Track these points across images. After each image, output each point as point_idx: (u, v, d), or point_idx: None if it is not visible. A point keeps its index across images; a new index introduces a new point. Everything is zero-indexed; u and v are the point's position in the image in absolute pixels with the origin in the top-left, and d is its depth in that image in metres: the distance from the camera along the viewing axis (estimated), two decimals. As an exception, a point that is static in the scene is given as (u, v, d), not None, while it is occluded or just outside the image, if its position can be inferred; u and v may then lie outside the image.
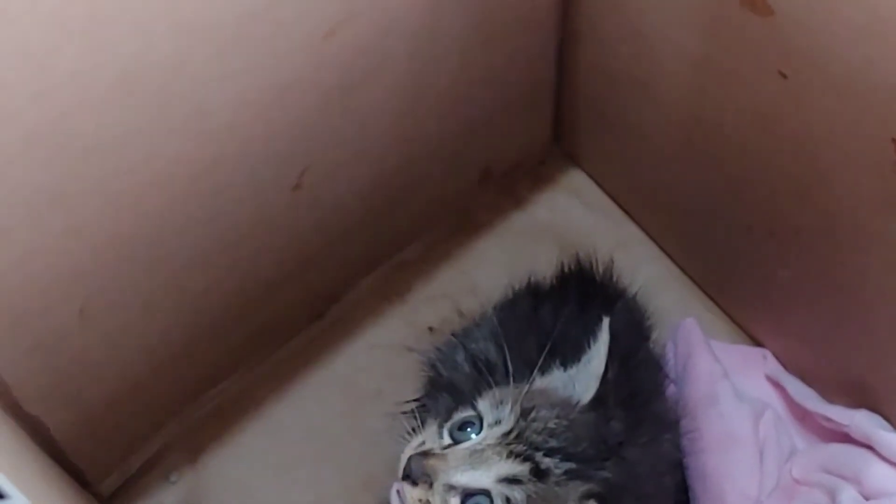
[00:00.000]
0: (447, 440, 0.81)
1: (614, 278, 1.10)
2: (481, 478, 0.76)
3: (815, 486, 0.98)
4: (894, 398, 0.98)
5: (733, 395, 1.03)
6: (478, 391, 0.85)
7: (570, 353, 0.88)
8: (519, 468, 0.76)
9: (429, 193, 1.13)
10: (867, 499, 0.93)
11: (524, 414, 0.79)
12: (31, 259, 0.74)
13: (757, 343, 1.13)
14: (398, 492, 0.80)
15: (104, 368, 0.90)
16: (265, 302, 1.03)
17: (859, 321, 0.95)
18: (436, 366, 1.03)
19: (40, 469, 0.83)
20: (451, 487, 0.77)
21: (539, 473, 0.76)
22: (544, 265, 1.13)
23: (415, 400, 1.04)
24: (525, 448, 0.77)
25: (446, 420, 0.82)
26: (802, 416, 1.05)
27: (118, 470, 1.05)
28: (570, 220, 1.24)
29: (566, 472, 0.76)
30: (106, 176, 0.73)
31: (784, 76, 0.81)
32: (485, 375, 0.88)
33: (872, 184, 0.80)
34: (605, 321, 0.82)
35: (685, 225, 1.14)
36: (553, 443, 0.77)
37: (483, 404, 0.82)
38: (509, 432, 0.78)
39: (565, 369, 0.86)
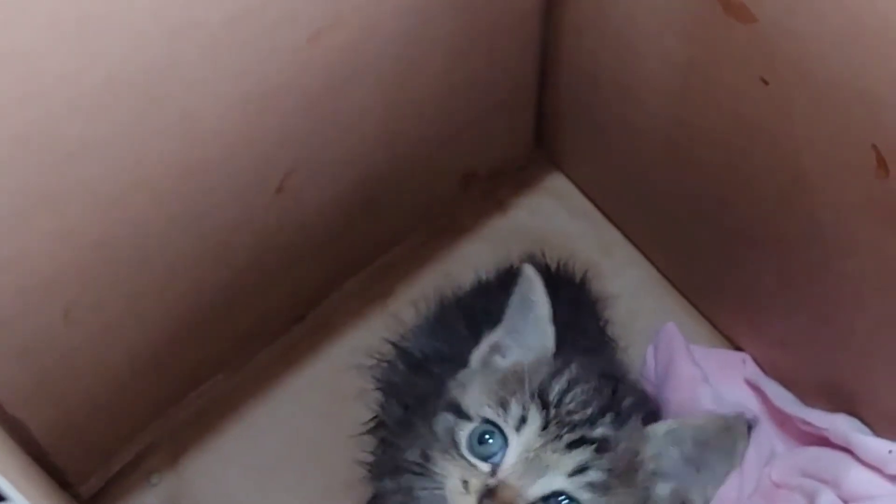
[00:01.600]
0: (483, 465, 0.78)
1: (567, 272, 1.12)
2: (551, 482, 0.75)
3: (795, 489, 0.98)
4: (873, 402, 0.98)
5: (713, 400, 1.03)
6: (448, 397, 0.84)
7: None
8: (583, 456, 0.75)
9: (412, 197, 1.13)
10: (846, 502, 0.94)
11: (542, 398, 0.78)
12: (16, 260, 0.74)
13: (737, 347, 1.14)
14: None
15: (87, 370, 0.90)
16: (248, 304, 1.03)
17: (839, 326, 0.95)
18: (382, 375, 1.04)
19: (23, 470, 0.83)
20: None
21: (602, 447, 0.75)
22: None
23: (372, 419, 1.05)
24: (574, 433, 0.76)
25: (455, 444, 0.80)
26: (782, 420, 1.06)
27: (99, 472, 1.05)
28: (551, 224, 1.24)
29: (613, 423, 0.76)
30: (92, 178, 0.73)
31: (766, 83, 0.81)
32: (421, 372, 0.87)
33: (854, 190, 0.80)
34: (528, 266, 0.82)
35: (667, 230, 1.14)
36: (590, 410, 0.77)
37: (487, 411, 0.80)
38: (546, 424, 0.76)
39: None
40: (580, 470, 0.75)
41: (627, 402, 0.80)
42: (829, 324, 0.96)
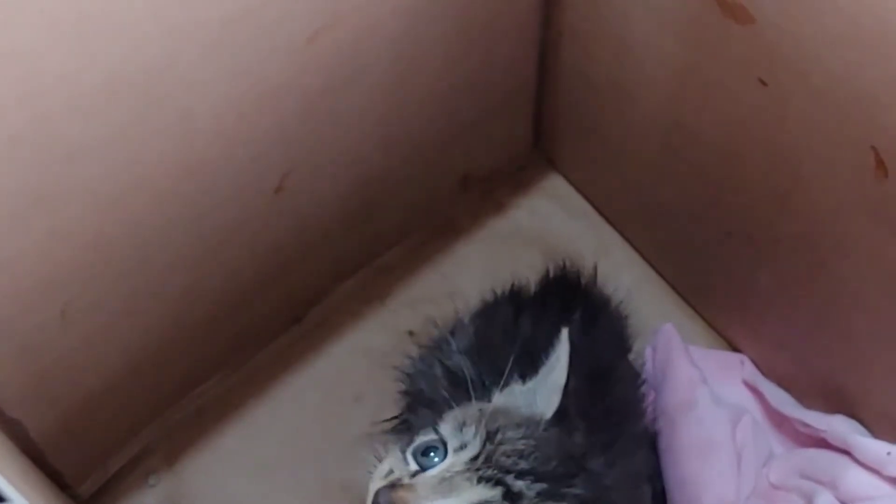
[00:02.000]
0: (413, 466, 0.78)
1: (598, 286, 1.10)
2: None
3: (793, 490, 0.98)
4: (871, 403, 0.98)
5: (711, 401, 1.03)
6: (450, 409, 0.84)
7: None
8: (490, 493, 0.74)
9: (410, 197, 1.13)
10: (843, 504, 0.94)
11: (490, 436, 0.76)
12: (14, 261, 0.74)
13: (735, 349, 1.14)
14: None
15: (85, 371, 0.90)
16: (245, 305, 1.03)
17: (837, 327, 0.95)
18: (413, 379, 1.03)
19: (22, 471, 0.83)
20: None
21: (512, 497, 0.74)
22: (524, 270, 1.13)
23: (394, 417, 1.04)
24: (495, 472, 0.74)
25: (408, 444, 0.80)
26: (780, 421, 1.06)
27: (97, 472, 1.05)
28: (549, 225, 1.24)
29: (539, 494, 0.74)
30: (90, 178, 0.73)
31: (764, 84, 0.81)
32: (461, 391, 0.87)
33: (852, 191, 0.81)
34: (565, 332, 0.80)
35: (664, 231, 1.15)
36: (523, 464, 0.75)
37: (445, 427, 0.79)
38: (477, 457, 0.75)
39: (524, 382, 0.84)
40: None
41: (575, 491, 0.79)
42: (826, 325, 0.96)
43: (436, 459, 0.77)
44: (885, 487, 0.94)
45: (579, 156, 1.22)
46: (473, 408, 0.81)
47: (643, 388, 1.04)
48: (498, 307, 1.05)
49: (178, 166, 0.79)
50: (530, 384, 0.83)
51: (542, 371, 0.82)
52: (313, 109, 0.87)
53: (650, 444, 0.99)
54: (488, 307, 1.06)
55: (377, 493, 0.76)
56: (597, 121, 1.11)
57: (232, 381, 1.13)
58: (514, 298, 1.06)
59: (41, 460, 0.93)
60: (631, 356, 1.07)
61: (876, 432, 0.99)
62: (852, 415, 1.00)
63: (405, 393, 1.05)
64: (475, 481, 0.74)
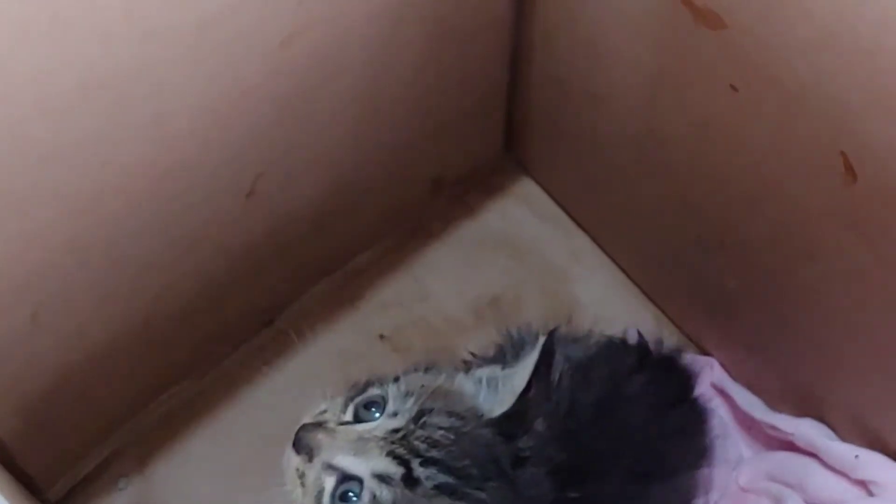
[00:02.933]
0: (349, 416, 0.80)
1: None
2: (359, 466, 0.75)
3: (762, 493, 0.99)
4: (839, 407, 0.99)
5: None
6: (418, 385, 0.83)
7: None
8: (393, 469, 0.74)
9: (382, 201, 1.13)
10: (812, 507, 0.95)
11: (419, 416, 0.77)
12: (-15, 263, 0.74)
13: (704, 352, 1.14)
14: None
15: (55, 374, 0.90)
16: (217, 307, 1.03)
17: (805, 331, 0.96)
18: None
19: (-9, 475, 0.82)
20: (329, 466, 0.77)
21: (410, 481, 0.74)
22: (496, 274, 1.13)
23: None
24: (405, 452, 0.75)
25: (358, 394, 0.82)
26: (748, 424, 1.06)
27: (67, 476, 1.05)
28: (521, 229, 1.24)
29: (438, 486, 0.74)
30: (62, 181, 0.73)
31: (735, 89, 0.82)
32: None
33: (822, 196, 0.81)
34: (542, 339, 0.79)
35: (635, 235, 1.15)
36: (434, 453, 0.75)
37: (392, 389, 0.80)
38: (398, 430, 0.76)
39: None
40: (382, 478, 0.75)
41: (480, 495, 0.78)
42: (795, 329, 0.97)
43: (376, 415, 0.79)
44: (853, 490, 0.94)
45: (551, 160, 1.22)
46: (426, 380, 0.82)
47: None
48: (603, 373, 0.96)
49: (151, 169, 0.79)
50: (487, 377, 0.83)
51: (507, 371, 0.82)
52: (286, 113, 0.87)
53: None
54: (591, 362, 0.96)
55: (301, 427, 0.79)
56: (569, 125, 1.11)
57: (203, 384, 1.12)
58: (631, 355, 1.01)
59: (10, 463, 0.92)
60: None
61: (844, 436, 0.99)
62: (820, 418, 1.01)
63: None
64: (385, 452, 0.75)
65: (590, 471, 0.82)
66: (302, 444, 0.78)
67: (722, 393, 1.09)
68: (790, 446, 1.00)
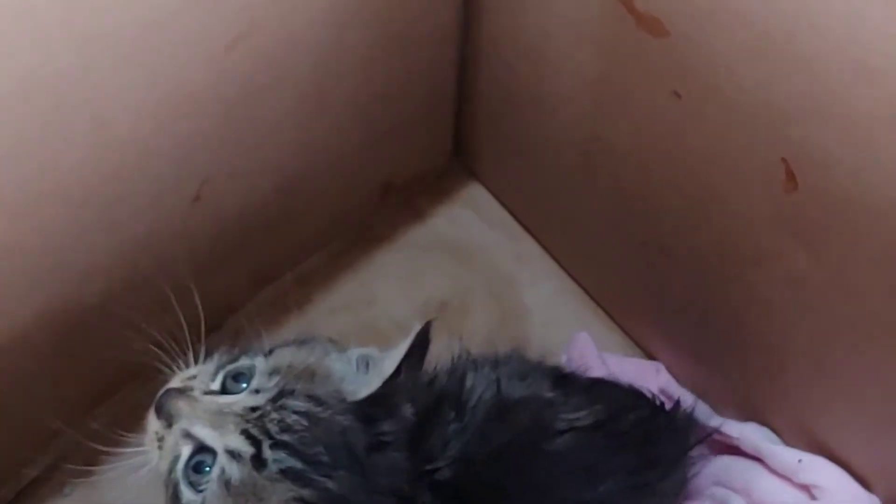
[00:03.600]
0: (217, 385, 0.80)
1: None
2: (214, 440, 0.75)
3: (707, 498, 0.99)
4: (783, 412, 0.99)
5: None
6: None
7: None
8: (244, 448, 0.74)
9: (330, 205, 1.13)
10: (756, 510, 0.95)
11: (278, 396, 0.77)
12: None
13: (651, 357, 1.15)
14: None
15: (-1, 379, 0.89)
16: (162, 313, 1.02)
17: (750, 336, 0.96)
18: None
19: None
20: (188, 435, 0.77)
21: (258, 461, 0.74)
22: (443, 279, 1.13)
23: None
24: (258, 432, 0.75)
25: (229, 362, 0.82)
26: (695, 428, 1.07)
27: (11, 482, 1.04)
28: (469, 234, 1.24)
29: (284, 471, 0.74)
30: (2, 186, 0.72)
31: (679, 96, 0.82)
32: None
33: (764, 202, 0.82)
34: (416, 327, 0.79)
35: (582, 240, 1.15)
36: (285, 437, 0.75)
37: (261, 363, 0.81)
38: (256, 409, 0.76)
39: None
40: (234, 455, 0.75)
41: (327, 484, 0.77)
42: (739, 334, 0.97)
43: (243, 386, 0.79)
44: (796, 494, 0.95)
45: (499, 165, 1.22)
46: (297, 357, 0.81)
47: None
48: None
49: (93, 174, 0.78)
50: (359, 356, 0.83)
51: (382, 354, 0.82)
52: (231, 117, 0.87)
53: None
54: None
55: (165, 391, 0.80)
56: (516, 131, 1.11)
57: (149, 389, 1.11)
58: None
59: (-47, 470, 0.92)
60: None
61: (788, 440, 1.00)
62: (765, 423, 1.01)
63: None
64: (240, 430, 0.75)
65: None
66: (163, 410, 0.79)
67: (669, 397, 1.09)
68: (735, 450, 1.01)
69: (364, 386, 0.79)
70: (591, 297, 1.20)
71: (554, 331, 1.15)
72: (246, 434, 0.75)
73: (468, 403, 0.84)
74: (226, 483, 0.74)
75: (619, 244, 1.07)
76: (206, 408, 0.77)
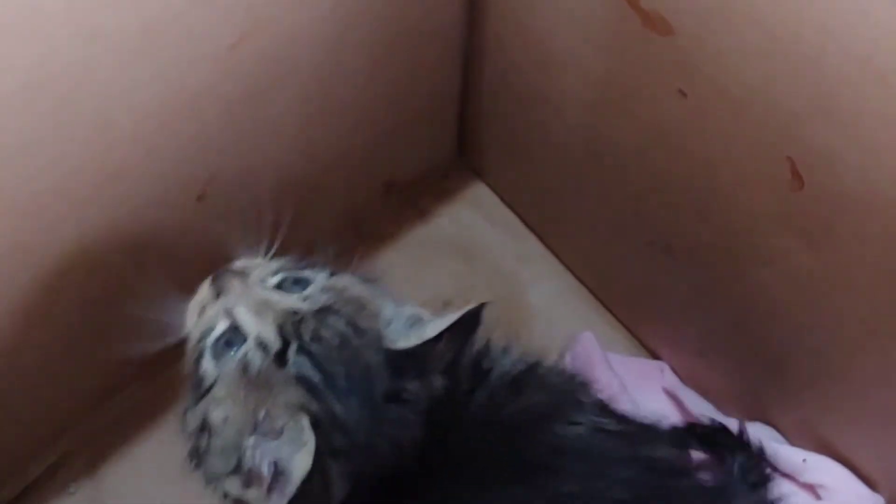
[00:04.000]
0: (273, 282, 0.82)
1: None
2: (250, 325, 0.77)
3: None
4: (787, 411, 0.99)
5: (631, 409, 1.04)
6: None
7: None
8: (273, 342, 0.76)
9: (333, 204, 1.13)
10: (760, 510, 0.95)
11: (323, 310, 0.78)
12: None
13: (655, 356, 1.15)
14: None
15: (4, 377, 0.89)
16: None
17: (754, 336, 0.96)
18: None
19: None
20: (228, 313, 0.79)
21: (280, 359, 0.76)
22: (446, 278, 1.13)
23: None
24: (290, 333, 0.77)
25: (293, 268, 0.84)
26: (699, 428, 1.07)
27: (16, 480, 1.04)
28: (472, 233, 1.24)
29: (301, 377, 0.76)
30: (5, 184, 0.72)
31: (684, 95, 0.82)
32: None
33: (769, 200, 0.82)
34: (469, 307, 0.78)
35: (586, 239, 1.15)
36: (314, 347, 0.77)
37: (321, 279, 0.83)
38: (297, 313, 0.78)
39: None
40: (261, 345, 0.77)
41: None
42: (744, 333, 0.97)
43: (296, 291, 0.81)
44: (801, 494, 0.95)
45: (503, 164, 1.22)
46: (355, 288, 0.83)
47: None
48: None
49: (96, 173, 0.78)
50: (410, 314, 0.83)
51: (427, 317, 0.82)
52: (235, 116, 0.87)
53: None
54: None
55: (228, 269, 0.83)
56: (520, 130, 1.11)
57: (153, 388, 1.11)
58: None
59: (-42, 468, 0.92)
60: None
61: (792, 440, 1.00)
62: (769, 422, 1.01)
63: None
64: (277, 324, 0.77)
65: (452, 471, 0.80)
66: (217, 282, 0.81)
67: (673, 397, 1.09)
68: (739, 450, 1.01)
69: (403, 339, 0.80)
70: (596, 297, 1.20)
71: (558, 330, 1.15)
72: (280, 330, 0.77)
73: (490, 373, 0.85)
74: (244, 367, 0.76)
75: (624, 243, 1.07)
76: (256, 295, 0.79)
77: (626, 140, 0.94)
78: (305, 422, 0.73)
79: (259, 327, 0.77)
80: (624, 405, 0.99)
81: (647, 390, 1.10)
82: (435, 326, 0.79)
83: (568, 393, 0.87)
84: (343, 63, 0.93)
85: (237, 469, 0.77)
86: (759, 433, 1.00)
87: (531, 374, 0.86)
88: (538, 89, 1.02)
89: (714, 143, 0.83)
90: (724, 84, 0.77)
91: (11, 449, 1.01)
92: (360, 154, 1.08)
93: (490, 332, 0.90)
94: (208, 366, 0.78)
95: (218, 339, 0.79)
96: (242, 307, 0.79)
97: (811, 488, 0.96)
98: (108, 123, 0.75)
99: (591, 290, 1.20)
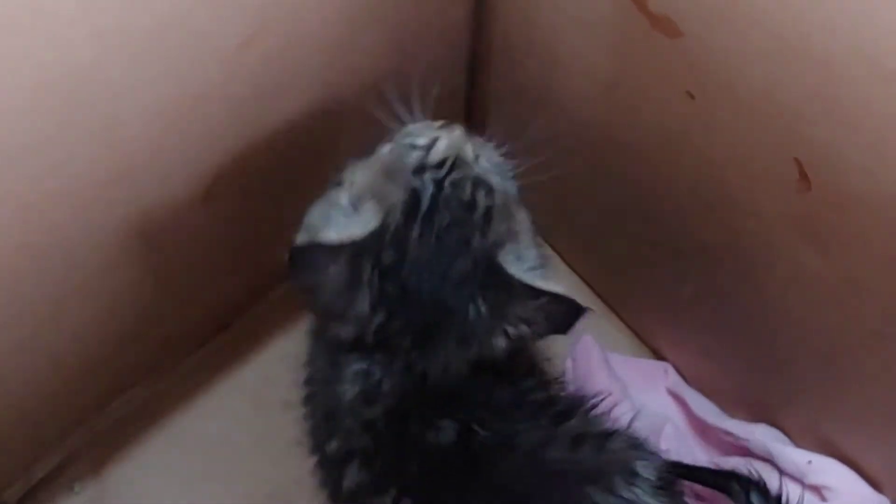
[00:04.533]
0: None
1: None
2: (443, 145, 0.83)
3: (716, 499, 0.99)
4: (792, 412, 1.00)
5: (633, 412, 1.04)
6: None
7: None
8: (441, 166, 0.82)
9: (340, 206, 1.13)
10: (766, 512, 0.95)
11: (486, 183, 0.84)
12: (-62, 266, 0.73)
13: (659, 357, 1.15)
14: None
15: (10, 377, 0.89)
16: (173, 311, 1.03)
17: (760, 337, 0.96)
18: None
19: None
20: (434, 138, 0.85)
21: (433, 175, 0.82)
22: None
23: None
24: (458, 167, 0.83)
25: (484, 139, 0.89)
26: (703, 429, 1.07)
27: (22, 479, 1.04)
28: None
29: (413, 197, 0.81)
30: (14, 184, 0.72)
31: (692, 96, 0.82)
32: None
33: (776, 202, 0.82)
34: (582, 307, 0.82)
35: (591, 240, 1.15)
36: (448, 193, 0.81)
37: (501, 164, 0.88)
38: (476, 159, 0.85)
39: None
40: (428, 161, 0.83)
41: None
42: (750, 334, 0.97)
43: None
44: (806, 496, 0.95)
45: (508, 165, 1.22)
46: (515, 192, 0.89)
47: None
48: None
49: (104, 173, 0.78)
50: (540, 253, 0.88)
51: (553, 280, 0.84)
52: (243, 116, 0.87)
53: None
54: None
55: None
56: (526, 131, 1.11)
57: (158, 388, 1.12)
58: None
59: (-36, 467, 0.92)
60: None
61: (797, 441, 1.00)
62: (774, 424, 1.01)
63: None
64: (452, 157, 0.84)
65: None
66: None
67: (677, 398, 1.09)
68: (745, 451, 1.01)
69: (515, 267, 0.82)
70: (600, 297, 1.20)
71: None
72: (453, 164, 0.83)
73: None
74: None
75: (629, 244, 1.07)
76: (460, 140, 0.85)
77: (632, 141, 0.94)
78: (378, 209, 0.81)
79: (448, 152, 0.82)
80: (625, 409, 1.00)
81: (650, 391, 1.10)
82: (551, 284, 0.81)
83: (622, 462, 0.85)
84: (350, 64, 0.93)
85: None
86: (763, 435, 1.00)
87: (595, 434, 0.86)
88: (545, 91, 1.02)
89: (722, 145, 0.84)
90: (732, 85, 0.77)
91: (18, 449, 1.01)
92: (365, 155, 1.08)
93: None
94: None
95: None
96: (444, 140, 0.84)
97: (817, 490, 0.96)
98: (116, 123, 0.75)
99: (595, 290, 1.20)
